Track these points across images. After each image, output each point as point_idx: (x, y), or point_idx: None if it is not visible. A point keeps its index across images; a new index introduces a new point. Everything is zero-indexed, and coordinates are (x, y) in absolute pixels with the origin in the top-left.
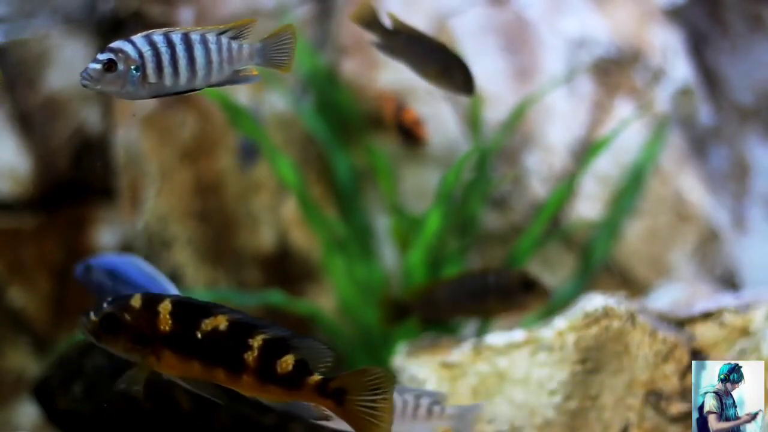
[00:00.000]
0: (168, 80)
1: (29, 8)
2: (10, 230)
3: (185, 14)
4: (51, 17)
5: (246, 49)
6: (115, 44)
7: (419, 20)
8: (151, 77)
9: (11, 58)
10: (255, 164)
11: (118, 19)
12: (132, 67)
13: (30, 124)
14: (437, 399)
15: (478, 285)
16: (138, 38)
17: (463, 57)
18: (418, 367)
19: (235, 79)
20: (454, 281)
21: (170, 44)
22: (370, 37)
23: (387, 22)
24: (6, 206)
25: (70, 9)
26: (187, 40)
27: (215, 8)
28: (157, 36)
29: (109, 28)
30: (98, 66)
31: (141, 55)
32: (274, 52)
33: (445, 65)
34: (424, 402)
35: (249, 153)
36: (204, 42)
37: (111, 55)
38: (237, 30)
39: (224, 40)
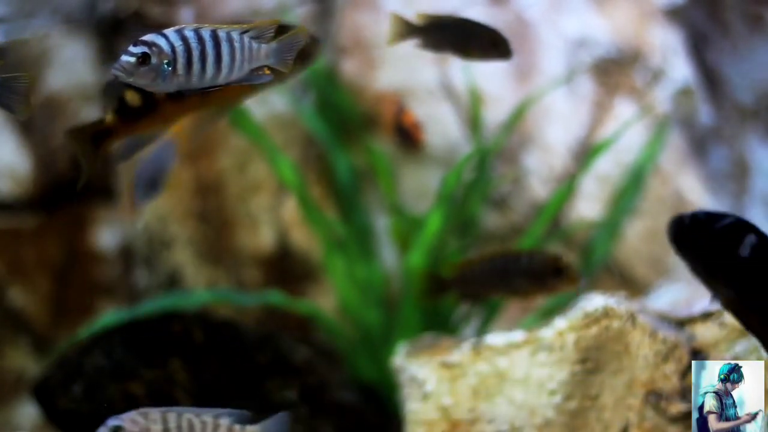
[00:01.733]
0: (195, 76)
1: (29, 8)
2: (10, 230)
3: (185, 14)
4: (51, 17)
5: (264, 49)
6: (149, 37)
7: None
8: (181, 72)
9: (11, 58)
10: (154, 197)
11: (118, 19)
12: (164, 61)
13: (30, 124)
14: (239, 418)
15: (511, 265)
16: (170, 32)
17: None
18: (418, 367)
19: (250, 78)
20: (489, 259)
21: (200, 40)
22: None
23: (418, 22)
24: (6, 206)
25: (70, 9)
26: (215, 36)
27: (215, 8)
28: (189, 31)
29: (109, 28)
30: (132, 59)
31: (173, 49)
32: (286, 53)
33: (483, 41)
34: (224, 422)
35: (148, 185)
36: (230, 40)
37: (145, 49)
38: (259, 30)
39: (246, 39)
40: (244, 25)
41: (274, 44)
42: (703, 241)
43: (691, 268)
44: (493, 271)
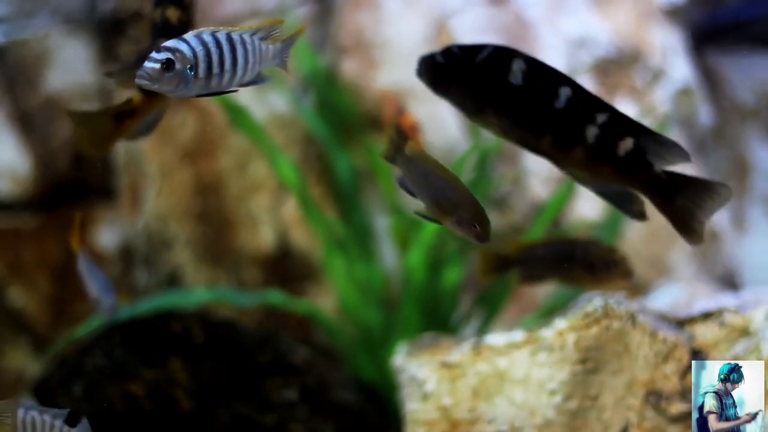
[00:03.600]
0: (215, 80)
1: (29, 8)
2: (10, 230)
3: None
4: (51, 17)
5: (271, 50)
6: (171, 43)
7: (419, 20)
8: (202, 76)
9: (11, 58)
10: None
11: (118, 19)
12: (187, 66)
13: (30, 124)
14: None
15: (568, 252)
16: (191, 38)
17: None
18: (418, 367)
19: (256, 80)
20: (548, 243)
21: (218, 44)
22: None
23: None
24: (6, 206)
25: (70, 9)
26: (230, 40)
27: (215, 8)
28: (207, 36)
29: (109, 28)
30: (157, 65)
31: (195, 54)
32: (286, 54)
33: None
34: (57, 423)
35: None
36: (243, 42)
37: (169, 55)
38: (266, 31)
39: (256, 40)
40: (253, 27)
41: (279, 45)
42: (466, 75)
43: (455, 104)
44: (551, 256)
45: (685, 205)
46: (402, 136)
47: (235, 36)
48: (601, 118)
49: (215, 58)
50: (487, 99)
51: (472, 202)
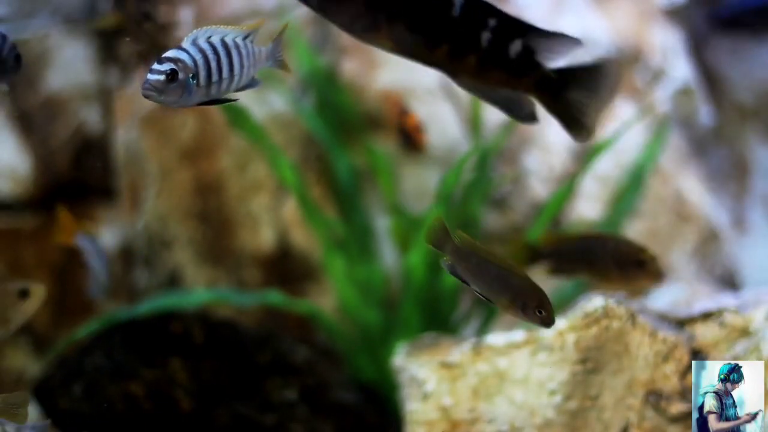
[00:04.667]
0: (214, 86)
1: (29, 8)
2: (10, 230)
3: (185, 14)
4: (51, 17)
5: (263, 52)
6: (171, 53)
7: None
8: (203, 84)
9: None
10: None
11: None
12: (189, 75)
13: (30, 124)
14: (41, 430)
15: (599, 249)
16: (189, 46)
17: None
18: (418, 367)
19: (251, 83)
20: (581, 238)
21: (215, 51)
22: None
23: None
24: (6, 206)
25: (70, 9)
26: (225, 45)
27: (215, 8)
28: (203, 42)
29: (109, 28)
30: (162, 77)
31: (195, 63)
32: (278, 53)
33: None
34: None
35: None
36: (237, 47)
37: (173, 65)
38: (254, 33)
39: (248, 43)
40: (243, 28)
41: (269, 45)
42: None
43: (345, 23)
44: (582, 251)
45: (577, 97)
46: (446, 232)
47: (229, 41)
48: (492, 22)
49: (214, 65)
50: (382, 13)
51: (534, 288)
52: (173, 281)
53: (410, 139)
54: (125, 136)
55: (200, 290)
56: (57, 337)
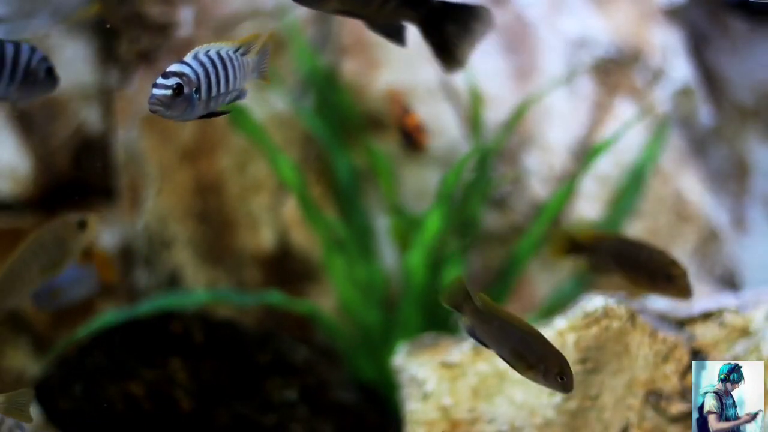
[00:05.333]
0: (213, 99)
1: (29, 8)
2: (10, 230)
3: (185, 14)
4: (51, 17)
5: (251, 64)
6: (175, 68)
7: None
8: (204, 97)
9: None
10: (55, 305)
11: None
12: (193, 89)
13: (30, 124)
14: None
15: (633, 254)
16: (191, 60)
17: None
18: (418, 367)
19: (240, 95)
20: (618, 241)
21: (213, 64)
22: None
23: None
24: (6, 206)
25: (70, 9)
26: (221, 58)
27: (215, 8)
28: (203, 56)
29: (109, 28)
30: (168, 91)
31: (198, 76)
32: (263, 65)
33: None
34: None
35: (52, 297)
36: (231, 60)
37: (178, 80)
38: (246, 46)
39: (239, 56)
40: (235, 42)
41: (256, 57)
42: None
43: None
44: (618, 253)
45: (453, 31)
46: (466, 293)
47: (223, 54)
48: None
49: (213, 78)
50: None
51: (555, 353)
52: (173, 281)
53: (411, 138)
54: (125, 136)
55: (200, 290)
56: (57, 337)
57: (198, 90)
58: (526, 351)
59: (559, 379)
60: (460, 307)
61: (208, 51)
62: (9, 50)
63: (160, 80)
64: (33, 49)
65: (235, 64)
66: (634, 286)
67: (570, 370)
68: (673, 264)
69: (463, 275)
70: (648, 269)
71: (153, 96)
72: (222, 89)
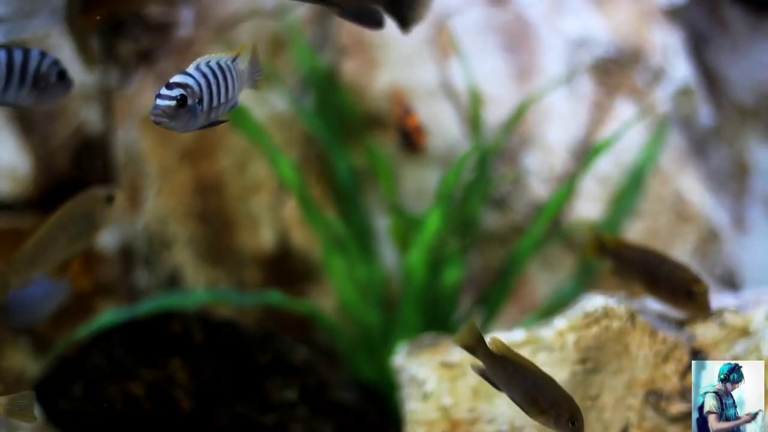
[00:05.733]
0: (214, 110)
1: (29, 8)
2: (10, 230)
3: (185, 14)
4: (51, 17)
5: (245, 73)
6: (179, 79)
7: None
8: (205, 108)
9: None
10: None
11: (118, 19)
12: (196, 100)
13: (30, 124)
14: None
15: (655, 267)
16: (193, 71)
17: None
18: (418, 367)
19: (234, 104)
20: (641, 251)
21: (214, 75)
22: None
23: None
24: (6, 206)
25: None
26: (220, 69)
27: (215, 8)
28: (204, 67)
29: (109, 28)
30: (173, 102)
31: (200, 87)
32: (256, 74)
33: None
34: None
35: (26, 312)
36: (229, 70)
37: (182, 91)
38: (238, 56)
39: (235, 66)
40: (231, 53)
41: (248, 67)
42: None
43: None
44: (639, 264)
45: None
46: (479, 337)
47: (222, 64)
48: None
49: (214, 88)
50: None
51: (567, 399)
52: (173, 281)
53: (409, 139)
54: (125, 136)
55: (200, 290)
56: (57, 337)
57: (201, 100)
58: (539, 396)
59: (570, 425)
60: (474, 349)
61: (209, 62)
62: (17, 56)
63: (164, 91)
64: (43, 54)
65: (233, 74)
66: (654, 297)
67: (581, 416)
68: (695, 281)
69: (476, 320)
70: (670, 283)
71: (157, 107)
72: (222, 99)
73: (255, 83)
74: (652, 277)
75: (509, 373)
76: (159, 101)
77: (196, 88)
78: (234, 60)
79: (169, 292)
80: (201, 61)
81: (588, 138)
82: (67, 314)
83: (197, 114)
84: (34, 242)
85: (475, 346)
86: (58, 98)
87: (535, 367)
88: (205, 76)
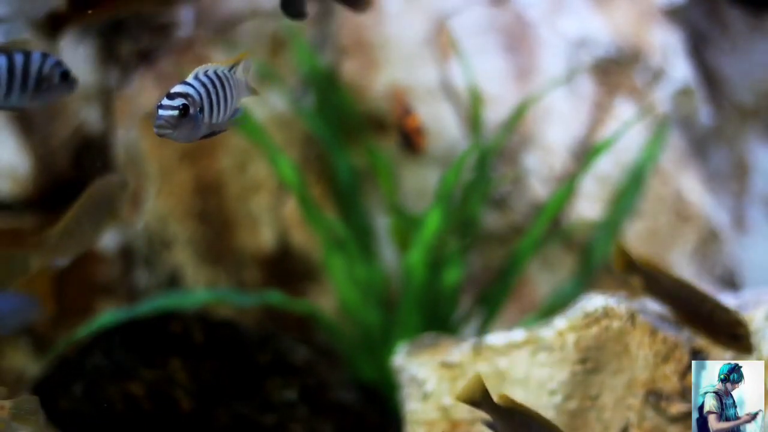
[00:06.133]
0: (214, 119)
1: (29, 8)
2: (10, 230)
3: (185, 14)
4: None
5: (242, 82)
6: (180, 88)
7: (419, 20)
8: (206, 118)
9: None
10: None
11: (118, 19)
12: (198, 109)
13: (30, 124)
14: None
15: (695, 305)
16: (192, 80)
17: None
18: (418, 367)
19: (236, 113)
20: (678, 285)
21: (213, 84)
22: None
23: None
24: (6, 206)
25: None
26: (219, 78)
27: (215, 8)
28: (203, 76)
29: (109, 28)
30: (175, 112)
31: (201, 96)
32: (252, 81)
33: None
34: None
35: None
36: (227, 79)
37: (184, 100)
38: (236, 64)
39: (232, 75)
40: (229, 61)
41: (246, 76)
42: None
43: None
44: (677, 297)
45: None
46: (485, 391)
47: (220, 73)
48: None
49: (214, 97)
50: None
51: None
52: (173, 281)
53: (409, 140)
54: (125, 136)
55: (200, 290)
56: (57, 337)
57: (202, 110)
58: None
59: None
60: (479, 404)
61: (207, 71)
62: (18, 60)
63: (166, 101)
64: (45, 56)
65: (232, 82)
66: (691, 328)
67: None
68: (738, 324)
69: (480, 376)
70: (711, 324)
71: (160, 117)
72: (222, 108)
73: (253, 91)
74: (690, 313)
75: (517, 424)
76: (161, 111)
77: (196, 97)
78: (232, 68)
79: (169, 292)
80: (200, 70)
81: (588, 138)
82: (67, 314)
83: (199, 123)
84: (61, 226)
85: (481, 401)
86: (62, 98)
87: (542, 417)
88: (204, 85)
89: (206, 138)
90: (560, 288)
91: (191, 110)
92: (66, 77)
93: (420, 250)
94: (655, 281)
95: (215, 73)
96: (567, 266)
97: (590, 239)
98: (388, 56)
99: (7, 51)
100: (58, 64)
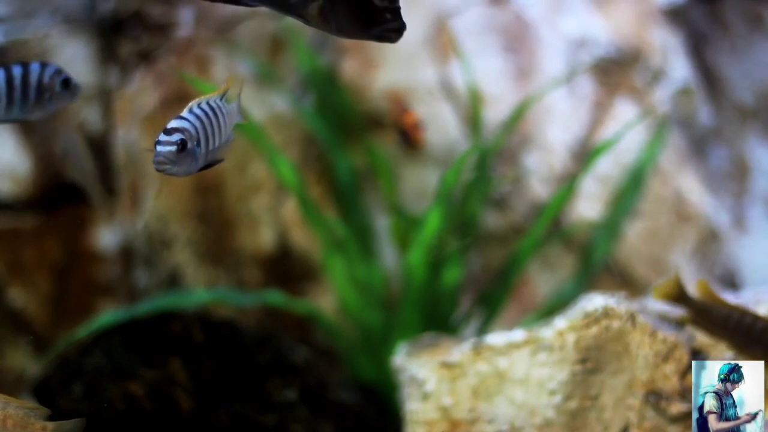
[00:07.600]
0: (210, 150)
1: (29, 8)
2: (10, 230)
3: (185, 14)
4: (51, 17)
5: (234, 109)
6: (177, 124)
7: (419, 20)
8: (203, 150)
9: (11, 58)
10: None
11: (118, 19)
12: (195, 143)
13: (30, 124)
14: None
15: (746, 328)
16: (188, 114)
17: None
18: (418, 367)
19: (228, 138)
20: (728, 311)
21: (207, 116)
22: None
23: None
24: (6, 206)
25: (70, 9)
26: (212, 109)
27: (215, 8)
28: (197, 109)
29: (109, 28)
30: (174, 147)
31: (197, 130)
32: (241, 106)
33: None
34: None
35: None
36: (219, 108)
37: (181, 135)
38: (225, 93)
39: (224, 103)
40: (219, 91)
41: (235, 103)
42: None
43: None
44: (732, 324)
45: None
46: None
47: (213, 104)
48: None
49: (209, 129)
50: None
51: None
52: (173, 281)
53: (408, 136)
54: (125, 136)
55: (200, 290)
56: (57, 337)
57: (199, 143)
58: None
59: None
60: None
61: (200, 103)
62: (16, 73)
63: (163, 137)
64: (43, 65)
65: (224, 110)
66: (741, 354)
67: None
68: None
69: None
70: (764, 345)
71: (159, 154)
72: (217, 138)
73: (244, 116)
74: (744, 337)
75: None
76: (159, 148)
77: (193, 131)
78: (222, 98)
79: (169, 292)
80: (193, 104)
81: (588, 138)
82: (68, 314)
83: (197, 156)
84: None
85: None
86: (66, 105)
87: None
88: (199, 118)
89: (205, 169)
90: (560, 288)
91: (189, 144)
92: (68, 84)
93: (420, 250)
94: (706, 313)
95: (208, 104)
96: (567, 266)
97: (590, 239)
98: (387, 56)
99: (5, 65)
100: (59, 72)
